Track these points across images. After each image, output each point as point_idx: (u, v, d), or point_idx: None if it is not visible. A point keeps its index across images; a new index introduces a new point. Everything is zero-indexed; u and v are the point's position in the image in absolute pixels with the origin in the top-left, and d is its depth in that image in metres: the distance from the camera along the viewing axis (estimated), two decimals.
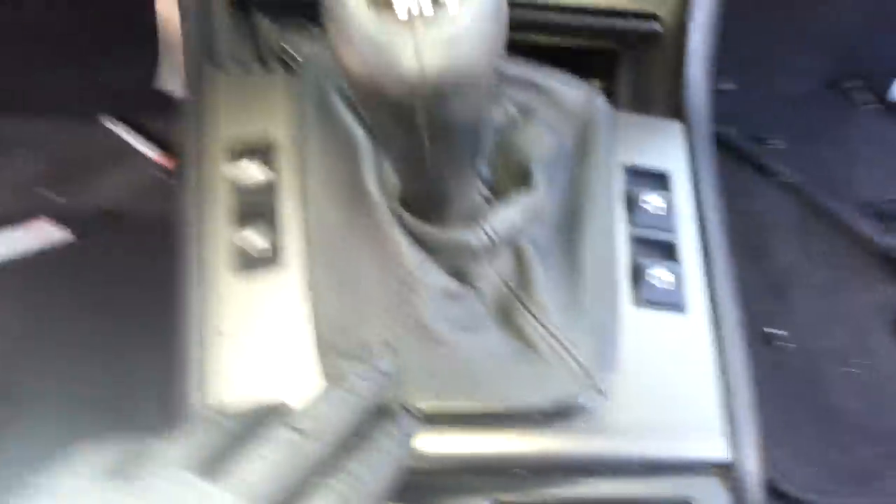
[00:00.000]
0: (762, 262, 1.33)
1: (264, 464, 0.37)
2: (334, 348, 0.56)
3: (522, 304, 0.58)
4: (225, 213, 0.65)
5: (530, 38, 0.80)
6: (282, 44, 0.81)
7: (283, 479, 0.37)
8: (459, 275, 0.58)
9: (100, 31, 1.44)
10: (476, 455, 0.57)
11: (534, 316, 0.57)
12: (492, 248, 0.56)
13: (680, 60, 0.74)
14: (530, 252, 0.59)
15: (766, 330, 1.21)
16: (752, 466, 0.60)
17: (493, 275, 0.59)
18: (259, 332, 0.60)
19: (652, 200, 0.66)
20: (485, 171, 0.61)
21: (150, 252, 1.26)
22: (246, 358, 0.59)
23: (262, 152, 0.66)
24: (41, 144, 1.44)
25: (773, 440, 1.05)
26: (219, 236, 0.64)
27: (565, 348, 0.56)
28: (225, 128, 0.68)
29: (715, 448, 0.59)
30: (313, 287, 0.59)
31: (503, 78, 0.65)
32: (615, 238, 0.63)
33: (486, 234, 0.54)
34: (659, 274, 0.63)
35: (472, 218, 0.55)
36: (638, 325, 0.61)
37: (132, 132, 1.45)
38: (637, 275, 0.63)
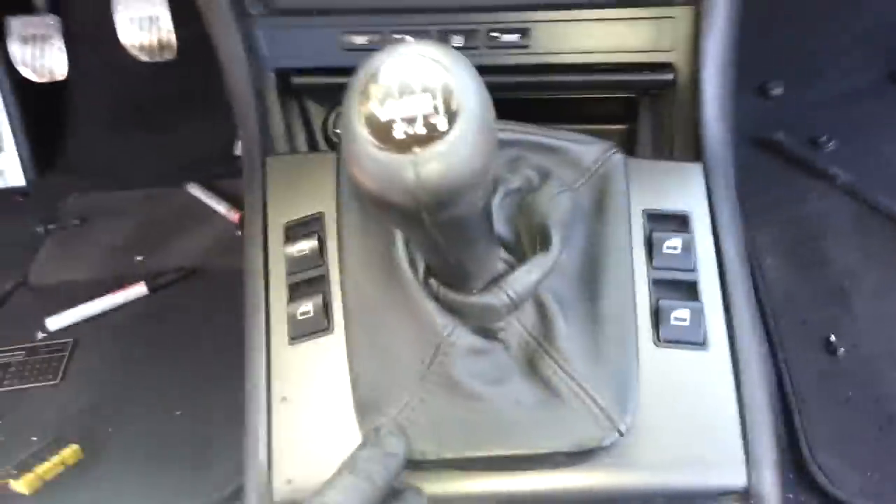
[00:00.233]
0: (820, 269, 1.32)
1: None
2: (370, 408, 0.63)
3: (546, 353, 0.63)
4: (281, 286, 0.73)
5: (553, 96, 0.85)
6: (329, 125, 0.89)
7: None
8: (486, 331, 0.64)
9: (178, 105, 1.56)
10: (506, 494, 0.63)
11: (558, 364, 0.62)
12: (514, 309, 0.62)
13: (696, 105, 0.77)
14: (552, 304, 0.64)
15: (830, 339, 1.20)
16: (769, 491, 0.63)
17: (517, 326, 0.64)
18: (315, 395, 0.67)
19: (672, 242, 0.69)
20: (505, 234, 0.66)
21: (224, 302, 1.36)
22: (305, 420, 0.67)
23: (312, 229, 0.74)
24: (128, 213, 1.56)
25: (827, 447, 1.07)
26: (276, 308, 0.72)
27: (587, 393, 0.61)
28: (279, 209, 0.76)
29: (733, 475, 0.63)
30: (351, 352, 0.67)
31: (520, 143, 0.71)
32: (635, 283, 0.67)
33: (508, 296, 0.60)
34: (679, 313, 0.66)
35: (494, 281, 0.61)
36: (659, 362, 0.65)
37: (211, 195, 1.57)
38: (658, 315, 0.67)
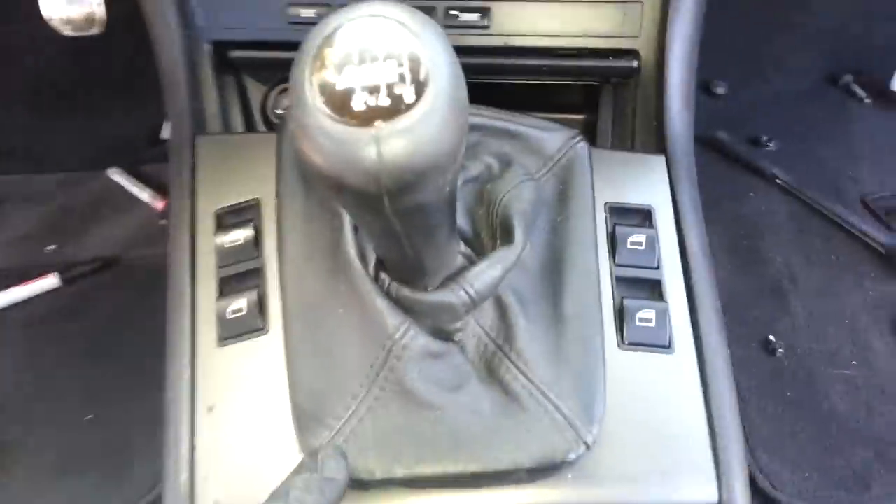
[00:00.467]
0: (759, 267, 1.32)
1: None
2: (310, 418, 0.56)
3: (506, 356, 0.58)
4: (210, 280, 0.66)
5: (512, 81, 0.80)
6: (269, 105, 0.82)
7: None
8: (441, 332, 0.58)
9: (101, 84, 1.46)
10: None
11: (518, 368, 0.57)
12: (473, 307, 0.56)
13: (660, 95, 0.74)
14: (512, 302, 0.58)
15: (769, 338, 1.21)
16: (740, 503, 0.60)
17: (474, 327, 0.59)
18: (248, 404, 0.60)
19: (636, 238, 0.66)
20: (463, 225, 0.61)
21: (145, 296, 1.28)
22: (235, 434, 0.59)
23: (247, 217, 0.67)
24: (43, 198, 1.46)
25: (767, 448, 1.07)
26: (204, 305, 0.64)
27: (550, 400, 0.56)
28: (209, 194, 0.69)
29: (704, 490, 0.59)
30: (290, 354, 0.60)
31: (480, 128, 0.66)
32: (599, 282, 0.63)
33: (467, 293, 0.54)
34: (644, 314, 0.63)
35: (452, 277, 0.55)
36: (624, 366, 0.61)
37: (134, 181, 1.47)
38: (622, 316, 0.63)
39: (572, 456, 0.55)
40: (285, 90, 0.84)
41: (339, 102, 0.33)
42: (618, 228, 0.66)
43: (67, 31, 1.44)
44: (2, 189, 1.49)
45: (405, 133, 0.33)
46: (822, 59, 1.67)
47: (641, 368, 0.62)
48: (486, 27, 0.75)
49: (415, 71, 0.33)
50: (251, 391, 0.61)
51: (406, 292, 0.55)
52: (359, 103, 0.33)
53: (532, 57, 0.77)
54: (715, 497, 0.59)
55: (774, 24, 1.60)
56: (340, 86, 0.33)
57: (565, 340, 0.59)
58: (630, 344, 0.62)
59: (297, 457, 0.57)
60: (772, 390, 1.15)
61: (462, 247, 0.58)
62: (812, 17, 1.59)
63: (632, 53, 0.76)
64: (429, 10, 0.73)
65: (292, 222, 0.62)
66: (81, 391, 1.13)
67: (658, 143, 0.74)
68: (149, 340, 1.19)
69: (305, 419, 0.57)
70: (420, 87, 0.33)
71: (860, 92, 1.63)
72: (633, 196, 0.69)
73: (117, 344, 1.20)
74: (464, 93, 0.36)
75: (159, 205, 1.44)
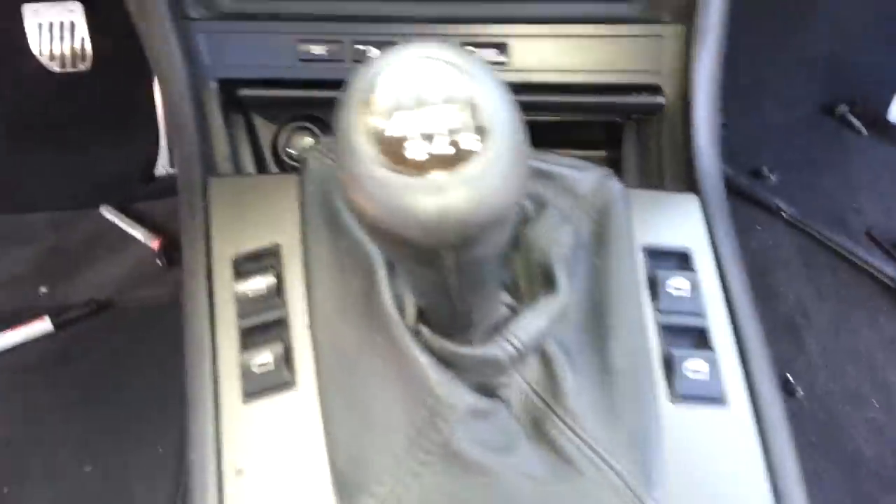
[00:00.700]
0: (770, 302, 1.30)
1: None
2: (352, 485, 0.52)
3: (553, 411, 0.54)
4: (230, 331, 0.62)
5: (532, 118, 0.78)
6: (280, 144, 0.80)
7: None
8: (484, 387, 0.54)
9: (91, 120, 1.44)
10: None
11: (566, 425, 0.53)
12: (519, 361, 0.52)
13: (687, 131, 0.72)
14: (557, 354, 0.55)
15: (788, 378, 1.18)
16: None
17: (519, 381, 0.55)
18: (280, 467, 0.56)
19: (677, 283, 0.63)
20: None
21: (141, 341, 1.24)
22: (268, 500, 0.55)
23: (267, 263, 0.64)
24: (34, 238, 1.42)
25: None
26: (226, 358, 0.61)
27: (604, 460, 0.52)
28: (224, 239, 0.66)
29: None
30: (325, 413, 0.56)
31: None
32: (646, 331, 0.60)
33: (514, 346, 0.50)
34: (693, 365, 0.59)
35: (496, 329, 0.51)
36: (675, 423, 0.57)
37: (127, 219, 1.44)
38: (669, 367, 0.59)
39: None
40: (297, 129, 0.81)
41: (394, 151, 0.30)
42: (658, 272, 0.63)
43: (54, 67, 1.41)
44: None
45: (470, 183, 0.30)
46: (818, 89, 1.67)
47: (694, 424, 0.58)
48: (504, 63, 0.73)
49: (476, 116, 0.30)
50: (283, 452, 0.56)
51: (449, 346, 0.51)
52: (416, 152, 0.30)
53: (552, 93, 0.76)
54: None
55: (769, 55, 1.60)
56: (394, 132, 0.30)
57: (616, 394, 0.55)
58: (681, 397, 0.59)
59: None
60: (795, 434, 1.13)
61: (505, 296, 0.55)
62: (806, 48, 1.59)
63: (654, 89, 0.74)
64: None
65: (321, 270, 0.59)
66: (77, 440, 1.10)
67: (688, 180, 0.72)
68: (146, 386, 1.16)
69: (347, 487, 0.53)
70: (483, 134, 0.30)
71: (856, 122, 1.63)
72: (669, 237, 0.66)
73: (113, 390, 1.17)
74: (524, 138, 0.33)
75: (154, 244, 1.40)
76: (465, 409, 0.51)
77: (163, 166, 1.55)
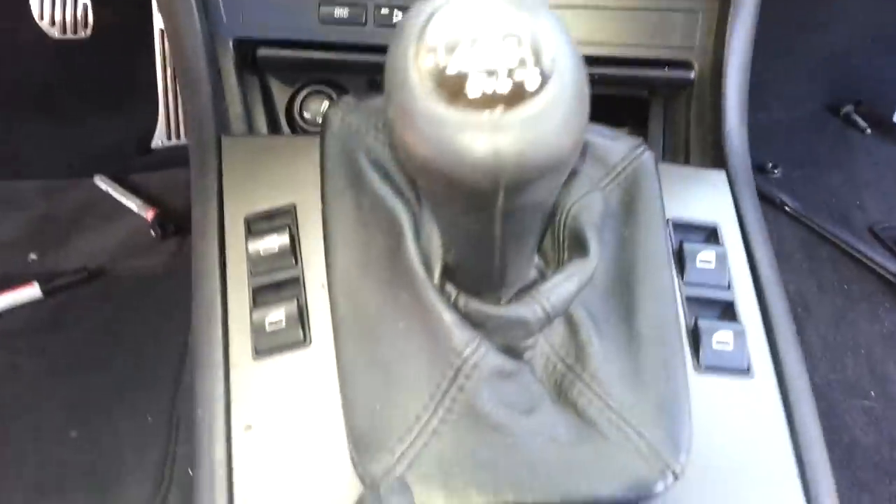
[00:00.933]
0: None
1: None
2: (370, 442, 0.51)
3: (578, 377, 0.52)
4: (242, 290, 0.60)
5: None
6: (296, 108, 0.77)
7: None
8: (510, 349, 0.52)
9: (89, 89, 1.41)
10: None
11: (592, 391, 0.52)
12: (547, 324, 0.51)
13: (717, 108, 0.71)
14: (584, 319, 0.53)
15: None
16: None
17: (543, 344, 0.54)
18: (290, 424, 0.54)
19: (705, 256, 0.62)
20: None
21: (134, 309, 1.21)
22: (277, 456, 0.53)
23: (281, 222, 0.62)
24: (25, 205, 1.39)
25: None
26: (237, 316, 0.59)
27: (630, 425, 0.51)
28: (237, 199, 0.64)
29: None
30: (343, 371, 0.54)
31: None
32: (676, 300, 0.58)
33: (543, 308, 0.49)
34: (721, 336, 0.58)
35: (526, 290, 0.50)
36: (702, 393, 0.56)
37: (122, 190, 1.41)
38: (696, 338, 0.58)
39: (660, 486, 0.50)
40: (313, 92, 0.79)
41: (453, 87, 0.29)
42: (685, 245, 0.62)
43: (54, 34, 1.38)
44: None
45: (530, 123, 0.29)
46: (823, 88, 1.68)
47: (720, 395, 0.57)
48: None
49: (538, 53, 0.29)
50: (294, 409, 0.55)
51: (477, 305, 0.49)
52: (475, 89, 0.29)
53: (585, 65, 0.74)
54: None
55: (774, 53, 1.60)
56: (453, 69, 0.29)
57: (643, 362, 0.54)
58: (707, 368, 0.58)
59: (349, 482, 0.52)
60: None
61: (535, 258, 0.53)
62: (812, 48, 1.59)
63: (685, 64, 0.73)
64: None
65: (342, 229, 0.57)
66: (65, 407, 1.07)
67: (715, 157, 0.71)
68: (136, 355, 1.14)
69: (364, 442, 0.51)
70: (545, 73, 0.29)
71: (861, 122, 1.63)
72: (697, 212, 0.65)
73: (103, 358, 1.14)
74: (586, 81, 0.32)
75: (149, 214, 1.37)
76: (490, 369, 0.49)
77: (159, 139, 1.52)
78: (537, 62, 0.29)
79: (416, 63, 0.29)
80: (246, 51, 0.74)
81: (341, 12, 0.72)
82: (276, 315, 0.57)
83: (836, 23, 1.57)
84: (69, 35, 1.38)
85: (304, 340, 0.57)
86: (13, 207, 1.38)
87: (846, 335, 1.26)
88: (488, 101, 0.28)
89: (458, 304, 0.50)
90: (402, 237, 0.52)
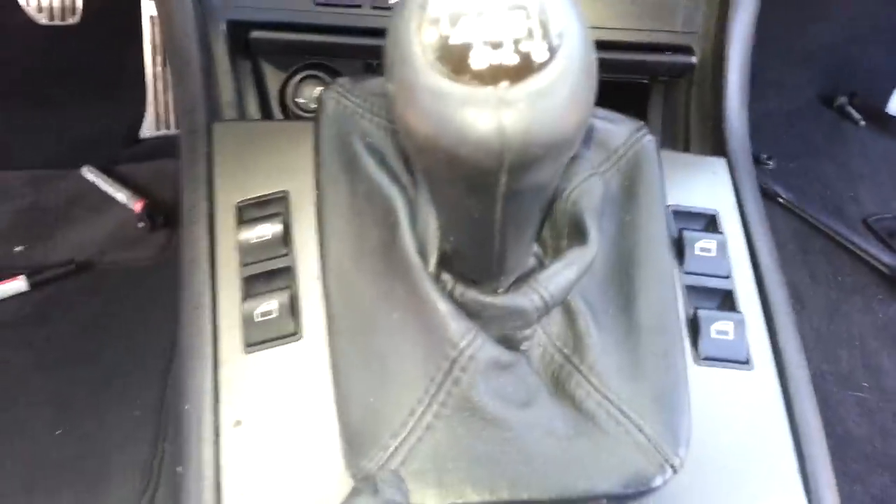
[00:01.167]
0: None
1: None
2: (364, 437, 0.49)
3: (576, 368, 0.51)
4: (232, 279, 0.58)
5: None
6: (289, 94, 0.76)
7: None
8: (507, 340, 0.51)
9: (76, 78, 1.38)
10: None
11: (590, 383, 0.51)
12: (545, 313, 0.50)
13: (718, 94, 0.70)
14: (582, 308, 0.52)
15: None
16: None
17: (540, 335, 0.52)
18: (281, 419, 0.53)
19: (705, 244, 0.60)
20: None
21: (121, 303, 1.20)
22: (267, 452, 0.52)
23: (273, 210, 0.60)
24: (11, 196, 1.37)
25: None
26: (226, 307, 0.57)
27: (628, 418, 0.50)
28: (228, 185, 0.62)
29: None
30: (336, 364, 0.52)
31: None
32: (675, 289, 0.57)
33: (541, 296, 0.48)
34: (720, 326, 0.57)
35: (523, 279, 0.49)
36: (701, 384, 0.55)
37: (110, 181, 1.39)
38: (695, 328, 0.57)
39: (659, 480, 0.49)
40: (307, 77, 0.77)
41: (456, 59, 0.27)
42: (685, 233, 0.61)
43: (42, 19, 1.36)
44: None
45: (536, 97, 0.27)
46: (817, 80, 1.67)
47: (720, 386, 0.56)
48: None
49: (546, 25, 0.28)
50: (284, 404, 0.53)
51: (474, 295, 0.48)
52: (480, 60, 0.27)
53: None
54: None
55: (771, 45, 1.59)
56: (456, 40, 0.28)
57: (642, 352, 0.53)
58: (706, 358, 0.57)
59: (340, 479, 0.50)
60: None
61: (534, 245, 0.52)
62: (808, 39, 1.59)
63: (686, 49, 0.72)
64: None
65: (337, 217, 0.55)
66: (51, 400, 1.05)
67: (716, 144, 0.70)
68: (124, 349, 1.12)
69: (359, 439, 0.49)
70: (552, 45, 0.28)
71: (855, 114, 1.63)
72: (696, 199, 0.64)
73: (91, 352, 1.12)
74: (595, 55, 0.31)
75: (137, 206, 1.35)
76: (486, 361, 0.48)
77: (148, 128, 1.50)
78: (545, 34, 0.28)
79: (419, 35, 0.28)
80: (239, 34, 0.72)
81: None
82: (268, 306, 0.55)
83: (830, 15, 1.57)
84: (57, 22, 1.36)
85: (297, 332, 0.55)
86: (1, 198, 1.35)
87: (839, 327, 1.26)
88: (493, 74, 0.27)
89: (455, 293, 0.49)
90: (397, 226, 0.51)
